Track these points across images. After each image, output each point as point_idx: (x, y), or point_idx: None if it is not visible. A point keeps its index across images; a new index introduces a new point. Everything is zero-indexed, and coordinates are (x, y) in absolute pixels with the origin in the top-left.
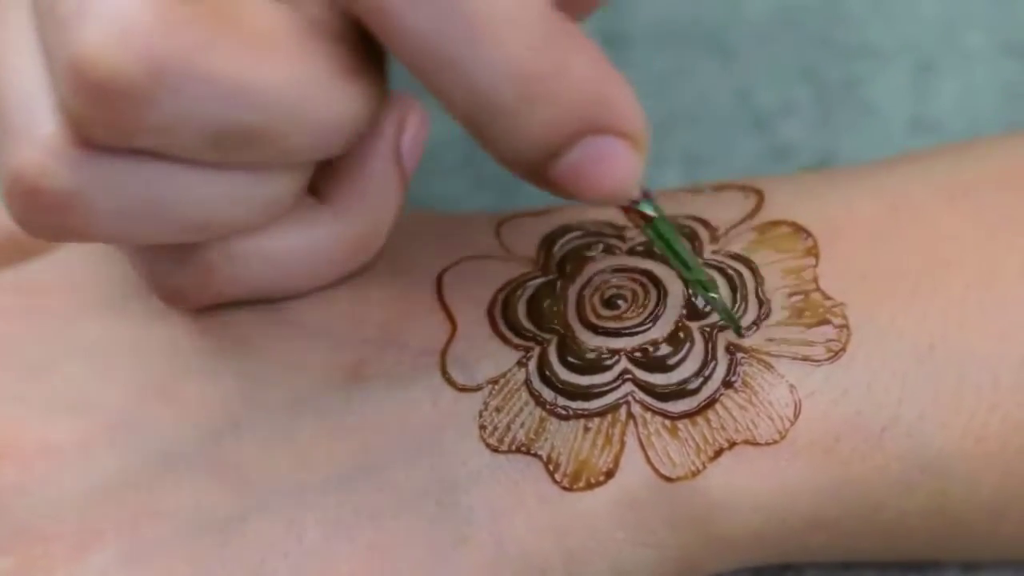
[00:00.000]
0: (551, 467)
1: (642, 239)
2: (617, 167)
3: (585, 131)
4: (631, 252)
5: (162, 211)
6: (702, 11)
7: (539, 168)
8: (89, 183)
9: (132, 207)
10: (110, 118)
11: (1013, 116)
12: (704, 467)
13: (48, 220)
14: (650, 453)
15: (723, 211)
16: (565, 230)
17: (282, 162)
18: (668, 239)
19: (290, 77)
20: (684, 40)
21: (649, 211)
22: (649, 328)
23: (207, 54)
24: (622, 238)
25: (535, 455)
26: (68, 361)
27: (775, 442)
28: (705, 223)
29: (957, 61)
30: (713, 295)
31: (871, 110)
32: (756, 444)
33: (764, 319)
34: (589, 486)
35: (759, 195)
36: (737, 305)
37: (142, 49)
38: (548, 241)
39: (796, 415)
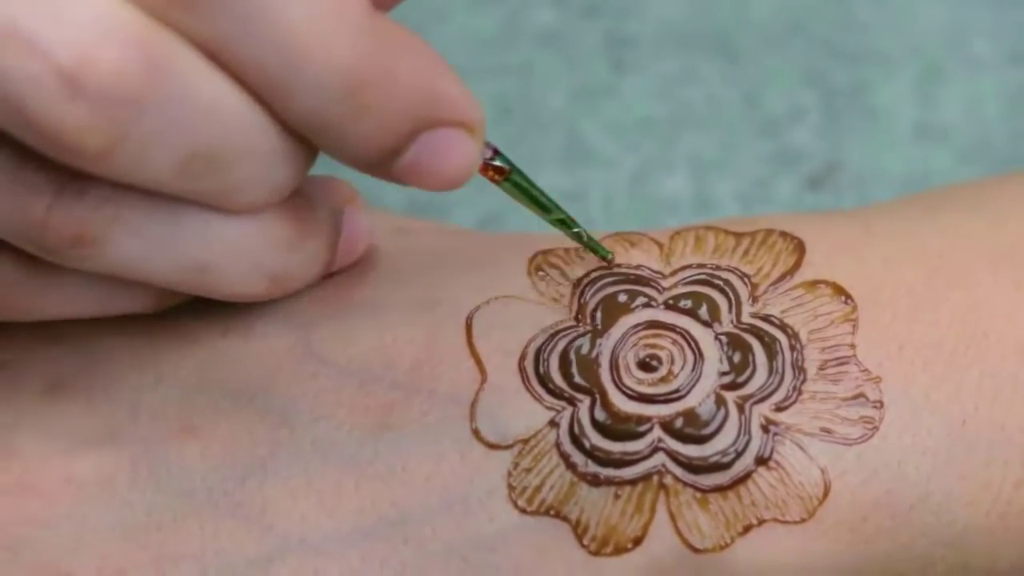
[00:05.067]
0: (579, 531)
1: (679, 291)
2: (455, 156)
3: (419, 129)
4: (668, 306)
5: (168, 242)
6: (709, 15)
7: (380, 168)
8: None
9: (145, 227)
10: (105, 123)
11: (1019, 123)
12: (732, 541)
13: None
14: (679, 524)
15: (763, 263)
16: (599, 275)
17: (229, 201)
18: (525, 189)
19: (249, 102)
20: (691, 44)
21: (503, 165)
22: (684, 396)
23: (190, 70)
24: (658, 287)
25: (564, 518)
26: (90, 386)
27: (803, 520)
28: (744, 278)
29: (964, 68)
30: (576, 230)
31: (878, 116)
32: (784, 522)
33: (800, 390)
34: (617, 552)
35: (800, 247)
36: (772, 376)
37: (140, 55)
38: (581, 285)
39: (825, 495)
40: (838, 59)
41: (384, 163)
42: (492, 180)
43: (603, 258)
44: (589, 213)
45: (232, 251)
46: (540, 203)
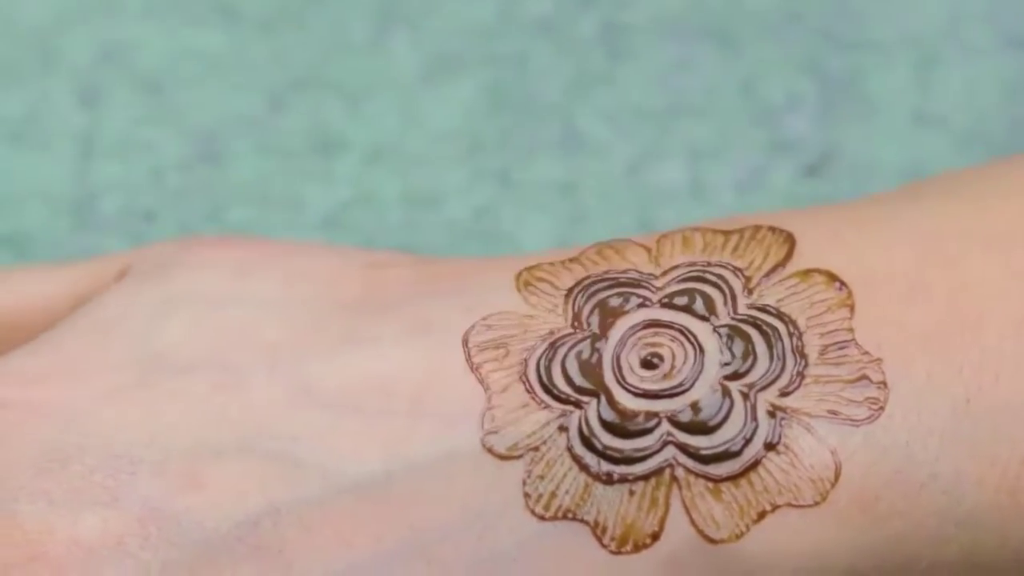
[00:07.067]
0: (598, 531)
1: (673, 288)
2: None
3: None
4: (663, 304)
5: None
6: (705, 2)
7: None
8: None
9: None
10: None
11: (1017, 110)
12: (748, 529)
13: None
14: (694, 515)
15: (754, 257)
16: (590, 281)
17: None
18: None
19: None
20: (687, 32)
21: None
22: (689, 389)
23: None
24: (651, 288)
25: (582, 520)
26: (84, 453)
27: (816, 504)
28: (737, 272)
29: (961, 54)
30: None
31: (875, 104)
32: (798, 506)
33: (803, 375)
34: (636, 549)
35: (789, 239)
36: (773, 363)
37: None
38: (573, 293)
39: (837, 477)
40: (835, 47)
41: None
42: None
43: None
44: (584, 203)
45: None
46: None
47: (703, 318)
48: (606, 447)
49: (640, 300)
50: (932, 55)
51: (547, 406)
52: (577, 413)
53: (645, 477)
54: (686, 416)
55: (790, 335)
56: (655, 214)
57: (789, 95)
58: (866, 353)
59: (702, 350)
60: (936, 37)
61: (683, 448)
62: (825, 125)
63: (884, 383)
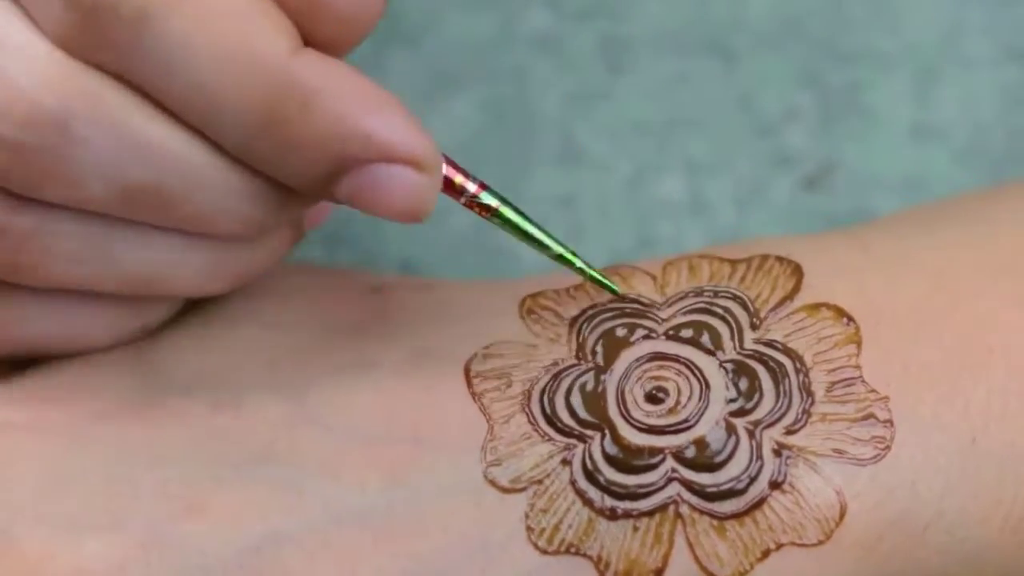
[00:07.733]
0: (601, 566)
1: (679, 320)
2: (400, 189)
3: (345, 166)
4: (668, 336)
5: (107, 262)
6: (704, 17)
7: (326, 197)
8: (43, 226)
9: (82, 253)
10: (23, 164)
11: (1015, 122)
12: (752, 567)
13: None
14: (698, 552)
15: (761, 289)
16: (595, 311)
17: (203, 230)
18: (517, 225)
19: (194, 139)
20: (686, 46)
21: (491, 202)
22: (694, 426)
23: (119, 109)
24: (656, 319)
25: (585, 555)
26: (87, 475)
27: (820, 543)
28: (744, 305)
29: (959, 67)
30: (580, 266)
31: (873, 116)
32: (802, 545)
33: (809, 413)
34: None
35: (797, 271)
36: (780, 400)
37: (57, 102)
38: (578, 323)
39: (842, 516)
40: (834, 59)
41: (324, 192)
42: (481, 216)
43: (613, 293)
44: (583, 217)
45: (177, 264)
46: (537, 240)
47: (709, 352)
48: (610, 482)
49: (645, 332)
50: (931, 68)
51: (550, 439)
52: (581, 447)
53: (649, 513)
54: (691, 452)
55: (797, 372)
56: (654, 228)
57: (788, 108)
58: (873, 391)
59: (708, 385)
60: (935, 50)
61: (688, 485)
62: (824, 138)
63: (890, 421)
